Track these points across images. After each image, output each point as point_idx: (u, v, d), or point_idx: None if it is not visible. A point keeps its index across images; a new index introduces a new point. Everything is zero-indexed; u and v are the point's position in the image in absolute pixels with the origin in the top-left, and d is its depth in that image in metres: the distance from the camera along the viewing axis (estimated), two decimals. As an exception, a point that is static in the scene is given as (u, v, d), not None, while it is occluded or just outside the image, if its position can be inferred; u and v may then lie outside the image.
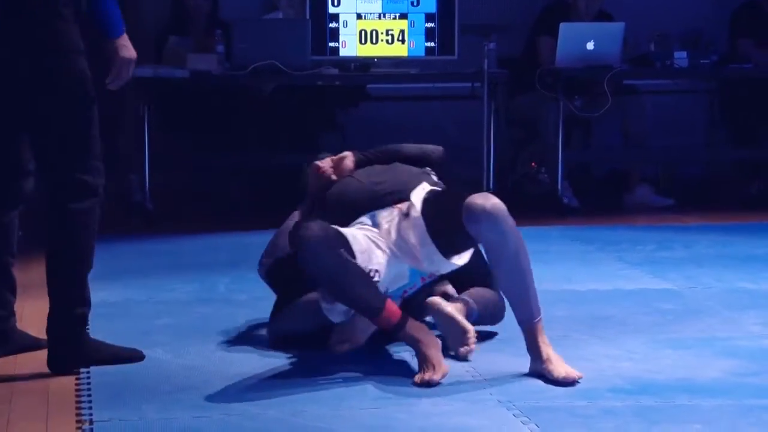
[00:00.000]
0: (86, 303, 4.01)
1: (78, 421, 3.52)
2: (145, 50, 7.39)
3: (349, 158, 4.37)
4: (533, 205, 7.21)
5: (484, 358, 4.08)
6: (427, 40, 7.15)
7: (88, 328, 4.11)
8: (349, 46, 7.12)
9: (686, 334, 4.44)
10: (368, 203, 4.16)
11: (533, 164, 7.51)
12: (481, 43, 6.90)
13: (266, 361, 4.08)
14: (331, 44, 7.09)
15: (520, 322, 3.96)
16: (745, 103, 7.71)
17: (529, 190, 7.56)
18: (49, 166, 3.96)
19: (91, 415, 3.56)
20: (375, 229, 4.06)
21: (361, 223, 4.11)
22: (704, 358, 4.11)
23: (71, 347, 3.99)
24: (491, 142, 7.00)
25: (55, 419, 3.57)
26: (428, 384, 3.79)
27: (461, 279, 4.26)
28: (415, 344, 3.89)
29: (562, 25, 7.04)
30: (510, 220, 3.92)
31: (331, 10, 7.09)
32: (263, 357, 4.13)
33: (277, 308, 4.34)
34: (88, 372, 3.95)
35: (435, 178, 4.35)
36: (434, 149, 4.48)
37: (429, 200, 4.07)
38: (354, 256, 3.89)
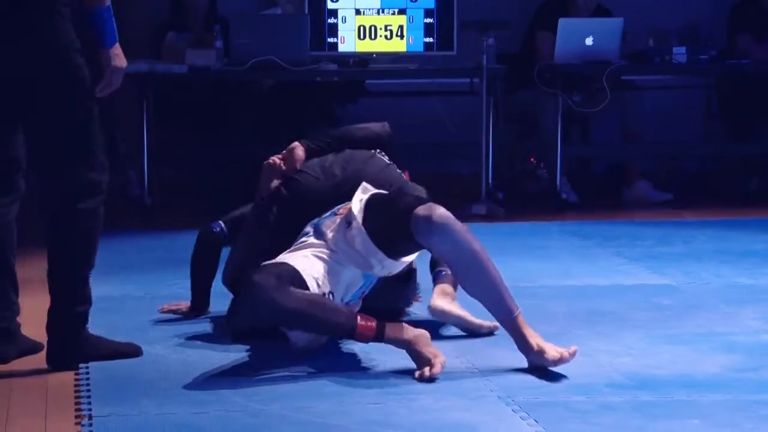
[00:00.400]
0: (87, 301, 4.01)
1: (77, 417, 3.51)
2: (144, 45, 7.41)
3: (298, 149, 4.30)
4: (532, 201, 7.24)
5: (483, 354, 4.07)
6: (425, 36, 7.17)
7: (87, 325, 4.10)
8: (348, 42, 7.13)
9: (685, 329, 4.43)
10: (330, 200, 4.10)
11: (532, 160, 7.51)
12: (480, 39, 6.91)
13: (266, 357, 4.05)
14: (330, 40, 7.11)
15: (501, 322, 3.95)
16: (743, 99, 7.71)
17: (528, 186, 7.56)
18: (56, 165, 3.93)
19: (90, 410, 3.54)
20: (319, 241, 3.99)
21: (306, 235, 4.05)
22: (703, 354, 4.10)
23: (71, 344, 3.99)
24: (490, 138, 7.01)
25: (54, 415, 3.55)
26: (430, 379, 3.79)
27: None
28: (403, 346, 3.86)
29: (561, 21, 7.05)
30: (459, 226, 3.87)
31: (330, 5, 7.10)
32: (263, 353, 4.10)
33: (235, 306, 4.32)
34: (87, 367, 3.94)
35: (386, 159, 4.32)
36: (380, 129, 4.42)
37: (371, 207, 3.97)
38: (307, 287, 3.83)
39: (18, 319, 4.14)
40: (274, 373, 3.88)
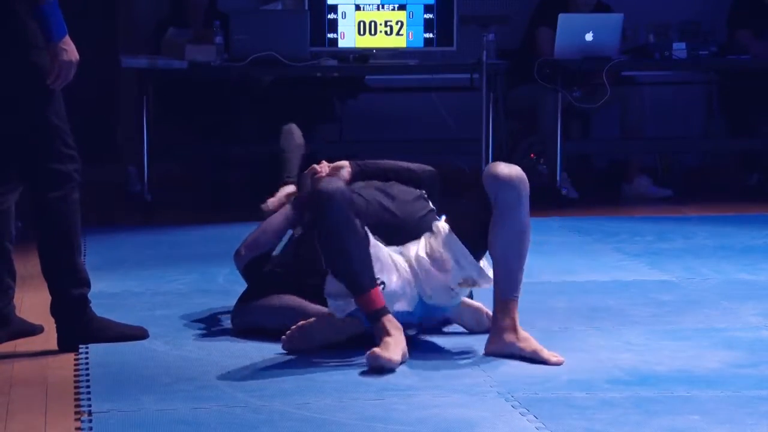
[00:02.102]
0: (82, 283, 4.13)
1: (77, 413, 3.52)
2: (144, 41, 7.41)
3: (345, 169, 4.37)
4: (532, 196, 6.88)
5: (483, 350, 4.07)
6: (425, 31, 7.15)
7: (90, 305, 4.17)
8: (348, 38, 7.12)
9: (685, 325, 4.44)
10: (381, 231, 4.14)
11: (532, 155, 7.46)
12: (480, 34, 6.90)
13: (266, 352, 4.07)
14: (330, 35, 7.09)
15: (502, 293, 3.96)
16: (743, 94, 7.71)
17: (528, 181, 7.50)
18: (21, 158, 4.07)
19: (89, 406, 3.55)
20: (400, 256, 4.09)
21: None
22: (703, 349, 4.11)
23: (75, 326, 4.11)
24: (490, 133, 7.00)
25: (54, 410, 3.56)
26: (381, 360, 3.80)
27: None
28: (383, 334, 3.89)
29: (561, 16, 7.04)
30: (527, 193, 4.01)
31: (330, 1, 7.09)
32: (263, 349, 4.11)
33: (246, 299, 4.35)
34: (87, 363, 3.96)
35: (429, 204, 4.35)
36: (425, 170, 4.47)
37: (450, 216, 4.14)
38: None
39: (13, 304, 4.24)
40: (275, 370, 3.90)
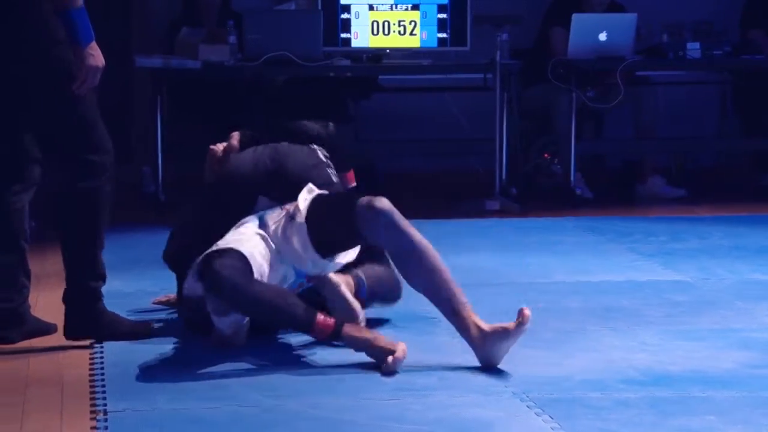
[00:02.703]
0: (99, 278, 4.17)
1: (92, 412, 3.52)
2: (158, 41, 7.42)
3: (233, 138, 4.42)
4: (546, 197, 7.22)
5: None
6: (439, 31, 7.14)
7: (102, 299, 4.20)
8: (361, 37, 7.11)
9: (700, 325, 4.43)
10: (254, 187, 4.19)
11: (546, 155, 7.47)
12: (494, 34, 6.91)
13: (280, 351, 4.07)
14: (343, 35, 7.08)
15: (442, 310, 3.94)
16: (757, 94, 7.70)
17: (542, 182, 7.53)
18: (54, 150, 4.13)
19: (105, 405, 3.56)
20: (262, 231, 4.08)
21: (247, 222, 4.13)
22: (718, 350, 4.09)
23: (86, 318, 4.14)
24: (504, 134, 7.01)
25: (70, 410, 3.57)
26: (394, 365, 3.79)
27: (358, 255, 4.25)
28: (361, 345, 3.88)
29: (575, 16, 7.03)
30: (401, 217, 3.95)
31: (343, 0, 7.08)
32: (277, 347, 4.12)
33: (182, 293, 4.34)
34: (102, 362, 3.97)
35: (322, 156, 4.36)
36: (320, 127, 4.47)
37: (316, 204, 4.09)
38: (252, 273, 3.93)
39: (28, 303, 4.26)
40: (289, 369, 3.89)
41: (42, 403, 3.64)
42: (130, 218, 6.54)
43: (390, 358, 3.82)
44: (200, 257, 3.96)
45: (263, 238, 4.06)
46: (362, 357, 3.97)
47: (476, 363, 3.93)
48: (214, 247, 3.97)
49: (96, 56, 4.02)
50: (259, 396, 3.62)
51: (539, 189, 7.42)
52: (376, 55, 7.13)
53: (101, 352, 4.09)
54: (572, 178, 7.10)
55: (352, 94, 7.55)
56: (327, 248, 4.05)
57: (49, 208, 4.24)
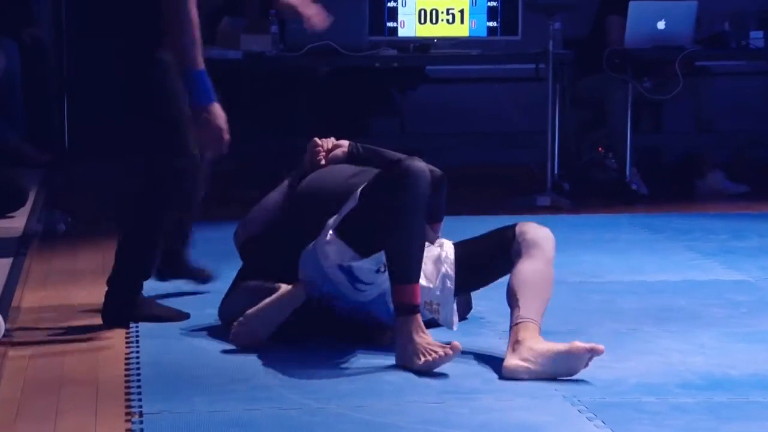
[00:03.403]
0: (145, 275, 4.37)
1: (127, 413, 3.49)
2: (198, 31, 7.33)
3: (340, 149, 4.36)
4: (600, 192, 7.21)
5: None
6: (489, 20, 7.12)
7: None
8: (408, 26, 7.09)
9: (761, 327, 4.37)
10: (336, 199, 4.12)
11: (600, 149, 7.45)
12: (546, 23, 6.87)
13: (320, 352, 4.04)
14: (390, 24, 7.07)
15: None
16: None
17: (596, 176, 7.49)
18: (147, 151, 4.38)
19: (140, 407, 3.53)
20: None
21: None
22: (781, 353, 4.03)
23: (124, 304, 4.31)
24: (556, 126, 6.99)
25: (105, 411, 3.54)
26: (434, 364, 3.75)
27: None
28: (411, 333, 3.81)
29: (632, 4, 6.99)
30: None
31: (390, -12, 7.17)
32: (317, 348, 4.08)
33: (229, 291, 4.37)
34: (138, 363, 3.96)
35: None
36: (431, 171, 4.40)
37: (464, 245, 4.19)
38: None
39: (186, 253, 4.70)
40: (331, 371, 3.87)
41: (76, 404, 3.62)
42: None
43: (434, 354, 3.76)
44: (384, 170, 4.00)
45: None
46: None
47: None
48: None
49: (215, 117, 4.11)
50: (301, 398, 3.58)
51: (593, 184, 7.36)
52: (424, 44, 7.12)
53: (137, 352, 4.08)
54: (627, 173, 7.05)
55: (398, 85, 7.57)
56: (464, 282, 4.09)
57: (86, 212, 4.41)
